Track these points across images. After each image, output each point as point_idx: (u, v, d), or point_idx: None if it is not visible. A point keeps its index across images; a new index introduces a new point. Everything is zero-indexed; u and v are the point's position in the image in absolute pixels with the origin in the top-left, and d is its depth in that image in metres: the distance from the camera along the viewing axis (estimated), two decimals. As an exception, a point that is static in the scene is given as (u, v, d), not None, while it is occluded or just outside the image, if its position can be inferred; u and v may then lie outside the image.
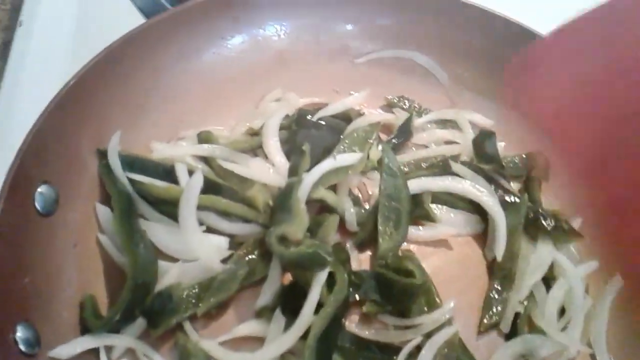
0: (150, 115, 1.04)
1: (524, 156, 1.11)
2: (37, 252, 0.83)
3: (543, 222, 0.99)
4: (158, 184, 0.95)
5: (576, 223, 1.03)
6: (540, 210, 1.00)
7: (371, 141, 1.07)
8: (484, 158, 1.05)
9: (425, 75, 1.19)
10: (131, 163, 0.96)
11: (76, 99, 0.91)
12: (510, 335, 0.92)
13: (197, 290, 0.89)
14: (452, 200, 1.04)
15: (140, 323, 0.86)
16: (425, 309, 0.91)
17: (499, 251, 0.95)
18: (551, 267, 0.98)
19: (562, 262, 0.96)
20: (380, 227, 0.96)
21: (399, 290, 0.89)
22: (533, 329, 0.92)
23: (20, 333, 0.76)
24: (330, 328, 0.83)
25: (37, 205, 0.84)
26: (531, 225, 0.99)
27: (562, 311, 0.96)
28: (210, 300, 0.89)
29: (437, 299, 0.91)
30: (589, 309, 0.94)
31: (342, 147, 1.03)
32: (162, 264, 0.90)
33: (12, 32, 1.22)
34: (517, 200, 1.01)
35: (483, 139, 1.08)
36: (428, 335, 0.87)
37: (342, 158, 0.99)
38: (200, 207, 0.92)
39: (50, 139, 0.87)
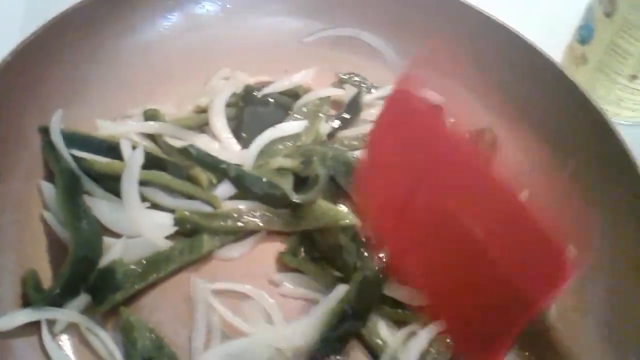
0: (95, 92, 1.03)
1: (472, 132, 1.12)
2: (-25, 226, 0.83)
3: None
4: (101, 160, 0.95)
5: (522, 195, 1.03)
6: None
7: (321, 115, 1.07)
8: (431, 132, 1.06)
9: (374, 54, 1.19)
10: (74, 140, 0.96)
11: (15, 74, 0.90)
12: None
13: (142, 265, 0.89)
14: (400, 173, 1.04)
15: (83, 298, 0.86)
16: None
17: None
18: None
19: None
20: None
21: None
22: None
23: (-46, 306, 0.75)
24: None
25: (-24, 180, 0.83)
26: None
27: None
28: (154, 275, 0.89)
29: None
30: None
31: (290, 121, 1.04)
32: (107, 240, 0.90)
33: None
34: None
35: (430, 113, 1.09)
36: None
37: (283, 126, 0.99)
38: (144, 183, 0.92)
39: (-12, 114, 0.86)
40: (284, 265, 0.94)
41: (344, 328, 0.84)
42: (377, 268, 0.87)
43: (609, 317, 0.89)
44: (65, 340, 0.84)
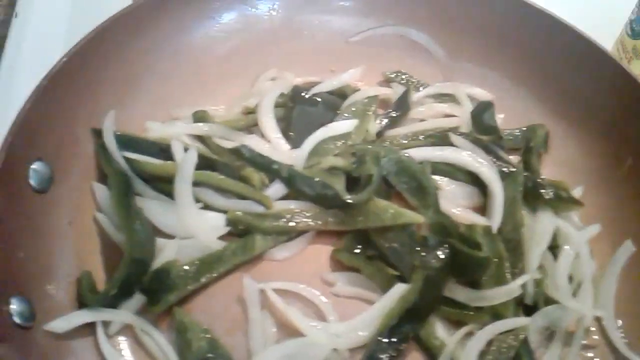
0: (145, 95, 1.03)
1: (524, 129, 1.10)
2: (32, 228, 0.83)
3: (542, 191, 0.97)
4: (153, 162, 0.95)
5: (577, 192, 1.01)
6: (538, 180, 0.99)
7: (369, 113, 1.06)
8: (482, 130, 1.04)
9: (421, 52, 1.17)
10: (126, 142, 0.96)
11: (68, 77, 0.90)
12: (530, 310, 0.90)
13: (196, 266, 0.88)
14: (452, 171, 1.02)
15: (138, 299, 0.86)
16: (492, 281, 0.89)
17: (495, 221, 0.93)
18: (554, 237, 0.96)
19: (565, 229, 0.95)
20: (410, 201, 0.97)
21: (463, 260, 0.86)
22: (548, 301, 0.90)
23: (14, 306, 0.75)
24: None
25: (32, 182, 0.84)
26: (530, 195, 0.98)
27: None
28: (207, 276, 0.89)
29: (507, 276, 0.89)
30: (595, 274, 0.93)
31: (339, 120, 1.03)
32: (160, 241, 0.90)
33: (8, 25, 1.22)
34: (514, 170, 0.99)
35: (481, 110, 1.07)
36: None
37: (334, 126, 0.98)
38: (196, 184, 0.92)
39: (43, 116, 0.87)
40: (337, 264, 0.93)
41: (404, 328, 0.82)
42: (438, 267, 0.85)
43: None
44: (121, 342, 0.85)
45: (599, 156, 1.03)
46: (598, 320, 0.90)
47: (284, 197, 0.97)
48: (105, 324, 0.84)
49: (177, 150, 0.96)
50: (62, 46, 1.15)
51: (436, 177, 1.01)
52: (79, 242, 0.90)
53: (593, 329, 0.90)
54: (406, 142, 1.06)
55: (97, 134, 0.95)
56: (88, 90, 0.95)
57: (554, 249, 0.95)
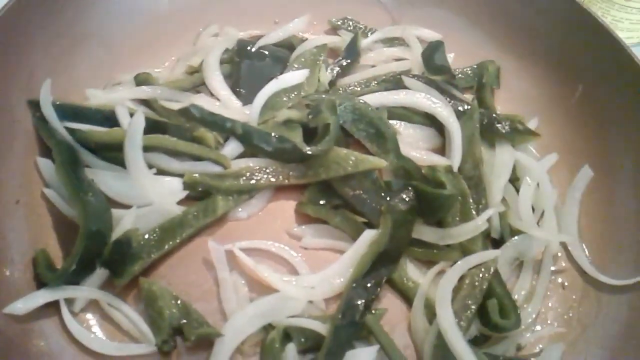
0: (82, 61, 0.98)
1: (475, 66, 1.10)
2: (-25, 210, 0.78)
3: (498, 126, 0.97)
4: (99, 130, 0.90)
5: (533, 123, 1.02)
6: (494, 115, 0.99)
7: (319, 63, 1.03)
8: (435, 70, 1.03)
9: (365, -5, 1.15)
10: (67, 112, 0.90)
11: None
12: (497, 242, 0.91)
13: (157, 234, 0.85)
14: (408, 115, 1.01)
15: (100, 273, 0.82)
16: (458, 219, 0.89)
17: (456, 160, 0.94)
18: (514, 170, 0.97)
19: (524, 161, 0.96)
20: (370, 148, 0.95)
21: (428, 200, 0.85)
22: (514, 232, 0.91)
23: (-33, 292, 0.71)
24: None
25: (-31, 162, 0.78)
26: (487, 131, 0.98)
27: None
28: (170, 242, 0.85)
29: (472, 212, 0.89)
30: (557, 202, 0.95)
31: (290, 72, 1.00)
32: (116, 211, 0.86)
33: None
34: (470, 107, 0.99)
35: (432, 50, 1.06)
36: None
37: (285, 78, 0.96)
38: (148, 149, 0.88)
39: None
40: (303, 217, 0.91)
41: (378, 272, 0.82)
42: (405, 209, 0.84)
43: (635, 228, 0.89)
44: (89, 319, 0.81)
45: (551, 86, 1.04)
46: (564, 245, 0.92)
47: (242, 155, 0.94)
48: (70, 302, 0.80)
49: (122, 115, 0.90)
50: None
51: (393, 122, 1.00)
52: (29, 221, 0.85)
53: (560, 254, 0.92)
54: (359, 89, 1.04)
55: (35, 105, 0.89)
56: (19, 59, 0.88)
57: (514, 181, 0.96)
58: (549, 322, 0.87)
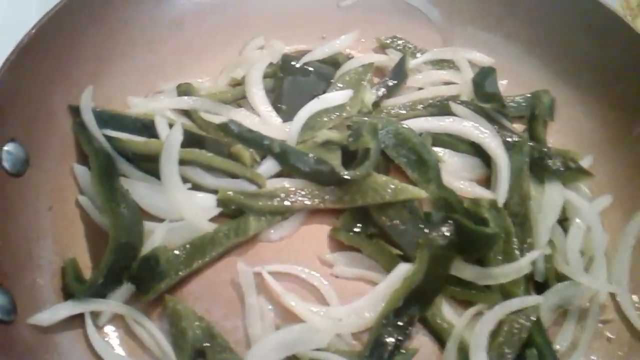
0: (125, 68, 0.97)
1: (528, 95, 1.05)
2: (9, 214, 0.78)
3: (549, 161, 0.92)
4: (136, 140, 0.89)
5: (587, 161, 0.97)
6: (545, 150, 0.94)
7: (364, 83, 1.00)
8: (485, 97, 0.99)
9: (418, 15, 1.11)
10: (107, 119, 0.90)
11: (40, 51, 0.84)
12: (541, 286, 0.86)
13: (186, 251, 0.83)
14: (454, 142, 0.97)
15: (127, 288, 0.81)
16: (500, 258, 0.85)
17: (501, 194, 0.89)
18: (564, 210, 0.91)
19: (575, 201, 0.90)
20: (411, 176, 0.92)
21: (469, 237, 0.82)
22: (559, 277, 0.86)
23: (-7, 300, 0.70)
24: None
25: (6, 165, 0.78)
26: (537, 166, 0.93)
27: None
28: (199, 261, 0.84)
29: (516, 252, 0.85)
30: (607, 247, 0.89)
31: (333, 91, 0.97)
32: (148, 224, 0.85)
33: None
34: (519, 140, 0.94)
35: (483, 76, 1.01)
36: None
37: (327, 97, 0.93)
38: (184, 162, 0.86)
39: (13, 94, 0.80)
40: (336, 244, 0.88)
41: (410, 310, 0.78)
42: (444, 244, 0.80)
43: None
44: (110, 333, 0.80)
45: (608, 123, 0.99)
46: (612, 295, 0.87)
47: (278, 175, 0.91)
48: (94, 315, 0.79)
49: (161, 126, 0.89)
50: (34, 16, 1.07)
51: (437, 149, 0.96)
52: (61, 228, 0.84)
53: (607, 304, 0.86)
54: (404, 112, 1.01)
55: (75, 111, 0.89)
56: (63, 64, 0.88)
57: (563, 222, 0.91)
58: (591, 377, 0.81)
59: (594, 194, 0.95)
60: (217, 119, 0.93)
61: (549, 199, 0.90)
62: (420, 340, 0.82)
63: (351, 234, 0.87)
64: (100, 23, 0.92)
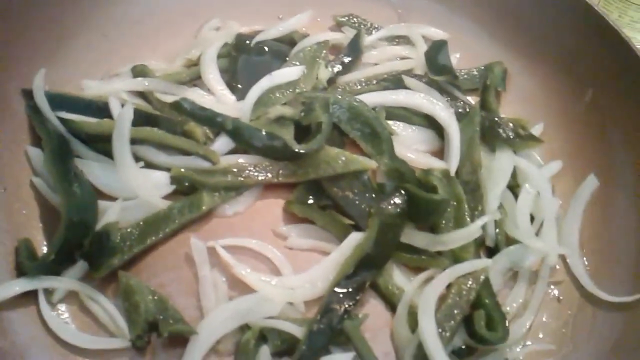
0: (80, 51, 0.98)
1: (481, 67, 1.06)
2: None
3: (499, 130, 0.94)
4: (90, 120, 0.90)
5: (537, 129, 0.98)
6: (496, 119, 0.95)
7: (319, 60, 1.01)
8: (437, 70, 1.00)
9: (372, -8, 1.12)
10: (61, 101, 0.90)
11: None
12: (492, 251, 0.87)
13: (140, 228, 0.84)
14: (408, 115, 0.98)
15: (81, 265, 0.82)
16: (452, 225, 0.86)
17: (453, 163, 0.90)
18: (515, 176, 0.93)
19: (525, 167, 0.92)
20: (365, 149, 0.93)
21: (419, 205, 0.82)
22: (511, 241, 0.87)
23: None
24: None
25: (-44, 148, 0.79)
26: (488, 134, 0.94)
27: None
28: (153, 237, 0.84)
29: (467, 218, 0.86)
30: (558, 211, 0.91)
31: (286, 68, 0.98)
32: (103, 203, 0.85)
33: None
34: (470, 110, 0.95)
35: (435, 50, 1.03)
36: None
37: (279, 74, 0.93)
38: (136, 141, 0.87)
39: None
40: (290, 217, 0.89)
41: (360, 276, 0.79)
42: (394, 213, 0.81)
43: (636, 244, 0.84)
44: (65, 312, 0.81)
45: (559, 91, 1.00)
46: (562, 258, 0.88)
47: (232, 152, 0.92)
48: (48, 293, 0.80)
49: (114, 107, 0.90)
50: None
51: (392, 123, 0.98)
52: (15, 209, 0.85)
53: (558, 267, 0.88)
54: (360, 87, 1.02)
55: (28, 94, 0.89)
56: (13, 48, 0.89)
57: (515, 189, 0.92)
58: (540, 336, 0.82)
59: (546, 161, 0.96)
60: (171, 99, 0.93)
61: (499, 166, 0.91)
62: (373, 306, 0.83)
63: (304, 206, 0.88)
64: (49, 6, 0.92)
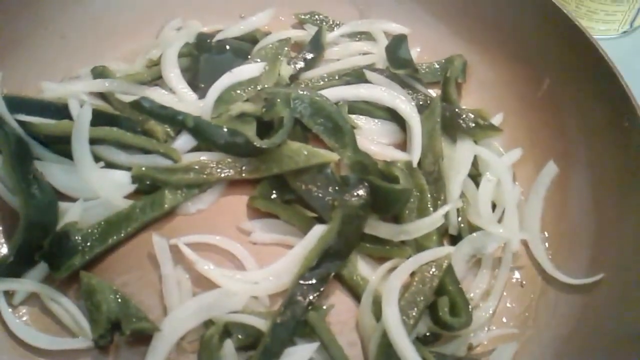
0: (39, 53, 0.97)
1: (443, 61, 1.07)
2: None
3: (459, 120, 0.95)
4: (48, 122, 0.89)
5: (497, 119, 0.99)
6: (456, 110, 0.96)
7: (281, 58, 1.02)
8: (398, 64, 1.01)
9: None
10: (19, 104, 0.90)
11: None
12: (456, 240, 0.88)
13: (101, 227, 0.84)
14: (370, 109, 0.99)
15: (43, 267, 0.81)
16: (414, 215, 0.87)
17: (415, 154, 0.91)
18: (477, 165, 0.94)
19: (485, 156, 0.93)
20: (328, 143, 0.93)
21: (381, 196, 0.83)
22: (473, 229, 0.88)
23: None
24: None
25: None
26: (449, 125, 0.95)
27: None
28: (114, 237, 0.84)
29: (430, 208, 0.87)
30: (520, 198, 0.92)
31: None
32: (64, 204, 0.85)
33: None
34: (431, 101, 0.96)
35: (395, 45, 1.03)
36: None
37: (239, 71, 0.94)
38: (96, 141, 0.87)
39: None
40: (254, 212, 0.89)
41: (324, 268, 0.79)
42: (357, 205, 0.81)
43: (594, 227, 0.86)
44: (25, 314, 0.80)
45: (517, 81, 1.01)
46: (525, 243, 0.89)
47: (195, 149, 0.92)
48: (9, 295, 0.79)
49: (73, 108, 0.89)
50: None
51: (355, 117, 0.98)
52: (-28, 213, 0.84)
53: (521, 254, 0.89)
54: (322, 83, 1.02)
55: (-16, 98, 0.88)
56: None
57: (476, 177, 0.93)
58: (504, 321, 0.83)
59: (506, 149, 0.97)
60: (131, 99, 0.93)
61: (460, 155, 0.93)
62: (338, 297, 0.83)
63: (267, 201, 0.88)
64: (3, 8, 0.91)
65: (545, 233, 0.90)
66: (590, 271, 0.81)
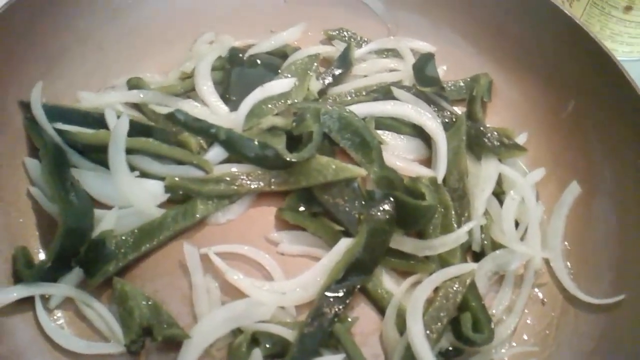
0: (77, 64, 1.00)
1: (468, 79, 1.09)
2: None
3: (485, 139, 0.96)
4: (86, 131, 0.92)
5: (522, 138, 1.01)
6: (482, 129, 0.98)
7: (310, 73, 1.04)
8: (425, 82, 1.03)
9: (362, 8, 1.15)
10: (58, 113, 0.93)
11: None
12: (479, 256, 0.90)
13: (135, 235, 0.86)
14: (397, 125, 1.01)
15: (78, 272, 0.84)
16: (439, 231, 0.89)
17: (440, 171, 0.93)
18: (501, 183, 0.96)
19: (510, 174, 0.95)
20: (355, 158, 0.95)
21: (407, 211, 0.85)
22: (496, 246, 0.90)
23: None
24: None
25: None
26: (474, 143, 0.97)
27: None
28: (147, 244, 0.86)
29: (454, 224, 0.89)
30: (542, 217, 0.94)
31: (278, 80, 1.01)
32: (99, 212, 0.87)
33: None
34: (457, 119, 0.98)
35: (423, 62, 1.06)
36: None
37: (270, 85, 0.96)
38: (132, 151, 0.90)
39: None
40: (282, 224, 0.92)
41: (350, 281, 0.81)
42: (383, 219, 0.83)
43: (617, 248, 0.87)
44: (61, 318, 0.83)
45: (542, 101, 1.03)
46: (546, 262, 0.90)
47: (226, 161, 0.95)
48: (45, 299, 0.82)
49: (110, 118, 0.92)
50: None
51: (382, 132, 1.00)
52: (12, 218, 0.87)
53: (543, 270, 0.90)
54: (350, 98, 1.05)
55: (25, 107, 0.92)
56: (12, 63, 0.91)
57: (500, 195, 0.95)
58: (525, 338, 0.85)
59: (530, 168, 0.99)
60: (165, 111, 0.96)
61: (485, 173, 0.94)
62: (362, 310, 0.85)
63: (296, 213, 0.91)
64: (50, 18, 0.94)
65: (568, 250, 0.91)
66: (612, 291, 0.83)
